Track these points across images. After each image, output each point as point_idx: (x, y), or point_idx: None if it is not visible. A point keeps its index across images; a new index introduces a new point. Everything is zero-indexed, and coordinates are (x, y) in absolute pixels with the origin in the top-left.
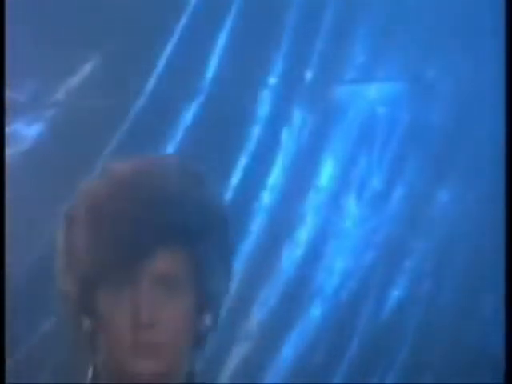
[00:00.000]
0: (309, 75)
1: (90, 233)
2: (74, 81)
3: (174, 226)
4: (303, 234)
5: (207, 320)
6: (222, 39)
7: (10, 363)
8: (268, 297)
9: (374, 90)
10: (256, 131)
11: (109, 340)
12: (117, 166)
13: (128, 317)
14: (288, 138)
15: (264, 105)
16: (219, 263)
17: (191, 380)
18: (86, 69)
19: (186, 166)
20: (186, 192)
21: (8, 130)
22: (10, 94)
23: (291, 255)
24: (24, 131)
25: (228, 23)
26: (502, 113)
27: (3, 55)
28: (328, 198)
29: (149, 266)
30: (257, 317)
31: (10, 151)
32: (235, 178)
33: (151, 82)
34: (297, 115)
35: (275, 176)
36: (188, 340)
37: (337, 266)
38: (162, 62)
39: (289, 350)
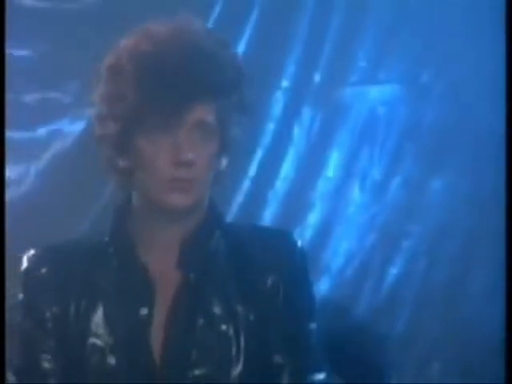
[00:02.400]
0: (317, 78)
1: (134, 83)
2: None
3: (210, 80)
4: (312, 219)
5: (224, 161)
6: (240, 47)
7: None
8: None
9: (375, 92)
10: (270, 128)
11: (148, 177)
12: (152, 27)
13: (169, 156)
14: (299, 134)
15: (277, 105)
16: (239, 114)
17: (211, 215)
18: None
19: (210, 30)
20: (216, 51)
21: (53, 127)
22: (54, 96)
23: (302, 238)
24: (67, 129)
25: (246, 32)
26: (495, 112)
27: (3, 58)
28: (334, 187)
29: (189, 113)
30: None
31: (54, 148)
32: (252, 169)
33: None
34: (306, 114)
35: (287, 167)
36: (210, 178)
37: (342, 247)
38: None
39: None
